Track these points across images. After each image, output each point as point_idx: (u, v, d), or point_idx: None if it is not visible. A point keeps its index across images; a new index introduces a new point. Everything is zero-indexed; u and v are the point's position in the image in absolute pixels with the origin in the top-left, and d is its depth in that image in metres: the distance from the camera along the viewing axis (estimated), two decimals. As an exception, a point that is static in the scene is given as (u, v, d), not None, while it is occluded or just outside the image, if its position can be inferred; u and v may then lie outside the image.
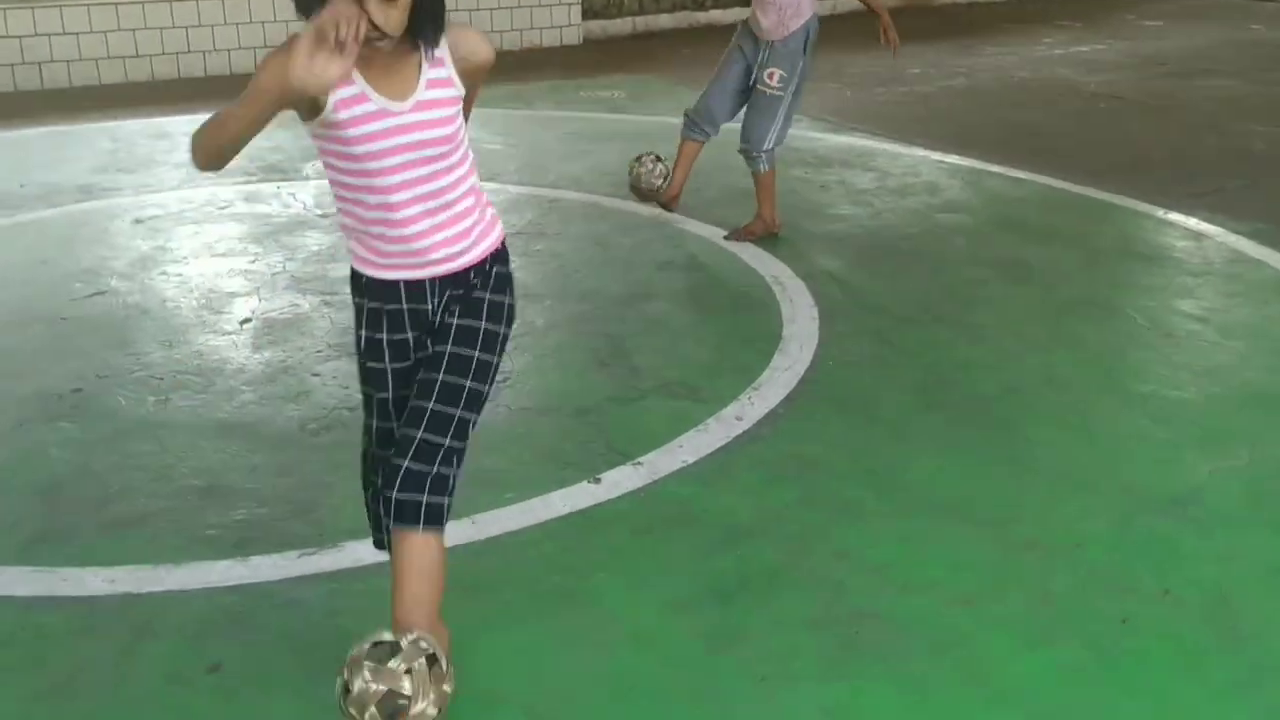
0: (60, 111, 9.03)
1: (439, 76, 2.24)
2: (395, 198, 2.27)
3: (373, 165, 2.22)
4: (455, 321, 2.40)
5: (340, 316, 4.90)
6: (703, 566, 3.17)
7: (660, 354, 4.51)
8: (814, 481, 3.61)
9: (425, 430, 2.31)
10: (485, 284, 2.43)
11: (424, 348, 2.43)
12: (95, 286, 5.26)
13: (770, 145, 5.69)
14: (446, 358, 2.36)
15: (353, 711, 2.18)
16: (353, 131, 2.19)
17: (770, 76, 5.58)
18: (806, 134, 7.77)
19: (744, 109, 5.80)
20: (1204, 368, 4.38)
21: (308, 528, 3.34)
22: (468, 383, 2.37)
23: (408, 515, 2.30)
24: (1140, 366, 4.44)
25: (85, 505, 3.47)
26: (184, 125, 8.56)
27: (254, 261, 5.59)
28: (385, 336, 2.42)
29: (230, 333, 4.75)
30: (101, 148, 7.92)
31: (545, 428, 3.93)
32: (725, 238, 5.84)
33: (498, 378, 2.53)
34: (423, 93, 2.21)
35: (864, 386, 4.28)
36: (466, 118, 2.41)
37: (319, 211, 6.33)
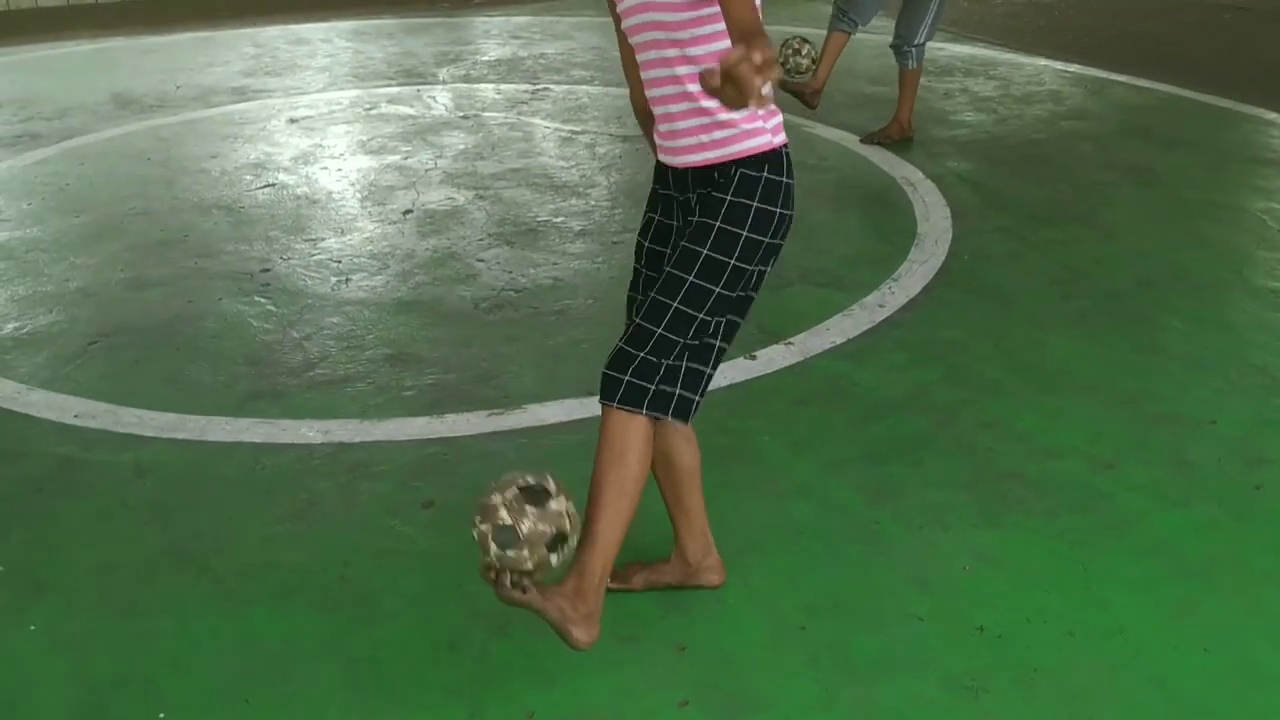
0: (200, 18, 9.42)
1: None
2: (646, 74, 2.43)
3: (630, 40, 2.43)
4: (695, 218, 2.43)
5: (495, 209, 5.21)
6: (857, 433, 3.44)
7: (802, 247, 4.74)
8: (956, 362, 3.84)
9: (642, 317, 2.41)
10: (728, 186, 2.40)
11: (679, 237, 2.48)
12: (264, 179, 5.62)
13: (921, 39, 5.86)
14: (679, 252, 2.42)
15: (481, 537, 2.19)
16: (618, 9, 2.44)
17: None
18: (928, 43, 7.87)
19: (900, 8, 5.94)
20: (1333, 266, 4.52)
21: (493, 391, 3.66)
22: (689, 278, 2.37)
23: (608, 391, 2.39)
24: (1269, 264, 4.58)
25: (290, 368, 3.83)
26: (320, 32, 8.90)
27: (406, 159, 5.90)
28: (648, 212, 2.59)
29: (395, 222, 5.08)
30: (246, 52, 8.28)
31: (699, 310, 4.19)
32: (862, 141, 6.03)
33: (743, 290, 2.44)
34: None
35: (999, 279, 4.48)
36: (733, 28, 2.14)
37: (460, 114, 6.61)
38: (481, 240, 4.87)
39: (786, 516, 3.06)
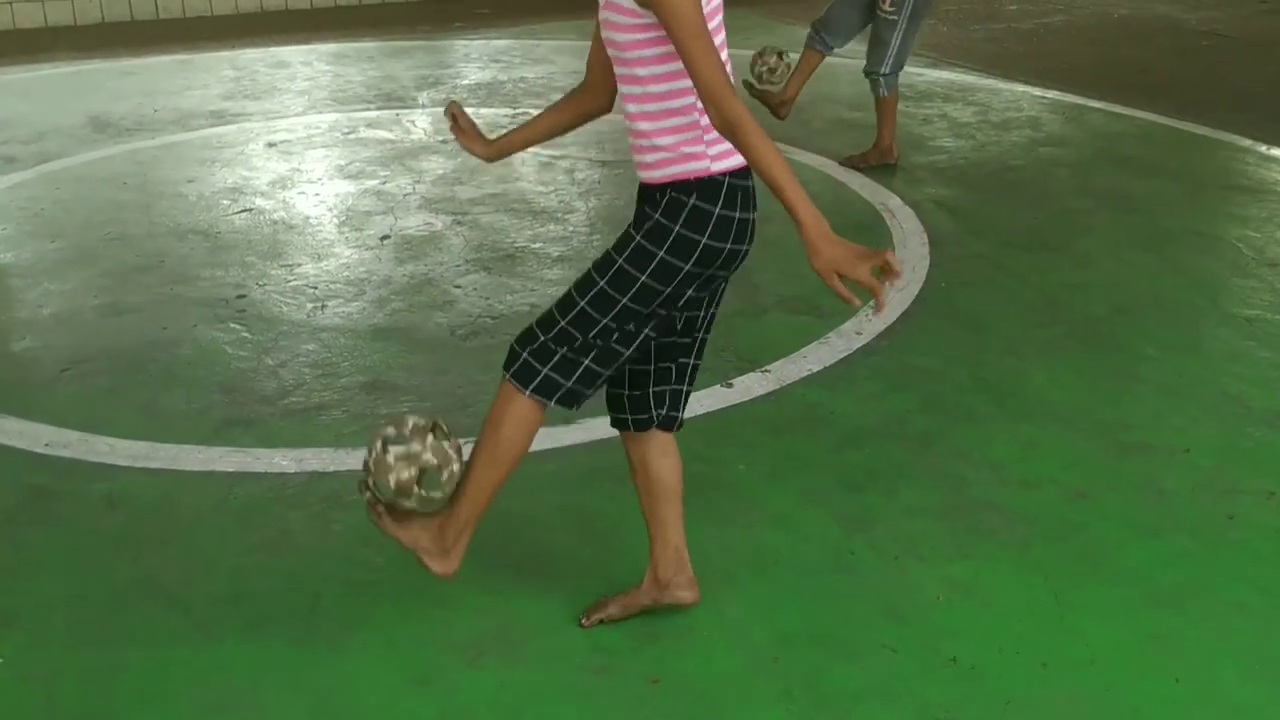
0: (179, 41, 9.39)
1: None
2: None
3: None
4: (628, 229, 2.50)
5: (473, 235, 5.20)
6: (833, 461, 3.44)
7: (779, 273, 4.75)
8: (932, 390, 3.85)
9: (556, 303, 2.50)
10: (658, 206, 2.42)
11: None
12: (241, 204, 5.60)
13: (885, 69, 5.89)
14: (602, 254, 2.49)
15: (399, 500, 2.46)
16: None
17: (884, 1, 5.76)
18: (906, 68, 7.91)
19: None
20: (1306, 294, 4.55)
21: (470, 419, 3.62)
22: (600, 282, 2.43)
23: (507, 361, 2.50)
24: (1245, 293, 4.60)
25: (264, 396, 3.81)
26: (300, 54, 8.90)
27: (384, 183, 5.90)
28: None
29: (372, 248, 5.07)
30: (225, 75, 8.26)
31: (676, 337, 4.20)
32: (841, 162, 6.06)
33: (660, 308, 2.45)
34: None
35: (976, 306, 4.50)
36: (685, 58, 2.21)
37: (439, 138, 6.61)
38: (459, 266, 4.87)
39: (761, 546, 3.06)
